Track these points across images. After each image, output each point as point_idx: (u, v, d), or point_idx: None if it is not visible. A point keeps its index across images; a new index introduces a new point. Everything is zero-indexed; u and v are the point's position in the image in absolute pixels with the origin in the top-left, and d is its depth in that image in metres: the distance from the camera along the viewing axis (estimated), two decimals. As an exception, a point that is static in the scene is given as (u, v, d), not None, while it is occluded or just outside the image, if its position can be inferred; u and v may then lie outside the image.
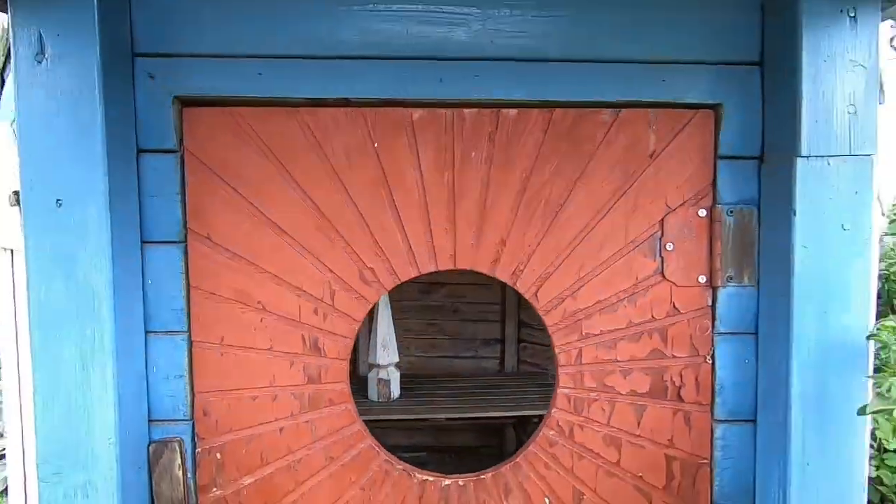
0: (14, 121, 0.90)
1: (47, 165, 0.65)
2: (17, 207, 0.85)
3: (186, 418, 0.77)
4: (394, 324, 2.03)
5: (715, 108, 0.78)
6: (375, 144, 0.78)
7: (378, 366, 1.98)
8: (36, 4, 0.63)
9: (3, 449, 1.85)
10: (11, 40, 0.64)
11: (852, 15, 0.69)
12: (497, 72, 0.76)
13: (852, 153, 0.70)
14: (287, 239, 0.78)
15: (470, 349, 2.50)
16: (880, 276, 3.17)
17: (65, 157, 0.65)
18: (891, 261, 3.31)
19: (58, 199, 0.64)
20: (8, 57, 1.16)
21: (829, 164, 0.70)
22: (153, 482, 0.74)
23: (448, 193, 0.79)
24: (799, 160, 0.70)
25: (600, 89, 0.77)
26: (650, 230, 0.80)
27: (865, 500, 0.75)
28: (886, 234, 3.01)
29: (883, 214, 2.32)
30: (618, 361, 0.82)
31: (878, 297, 3.04)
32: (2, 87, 1.40)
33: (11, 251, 1.32)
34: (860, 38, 0.70)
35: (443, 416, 2.07)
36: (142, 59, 0.73)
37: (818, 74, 0.69)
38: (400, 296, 2.03)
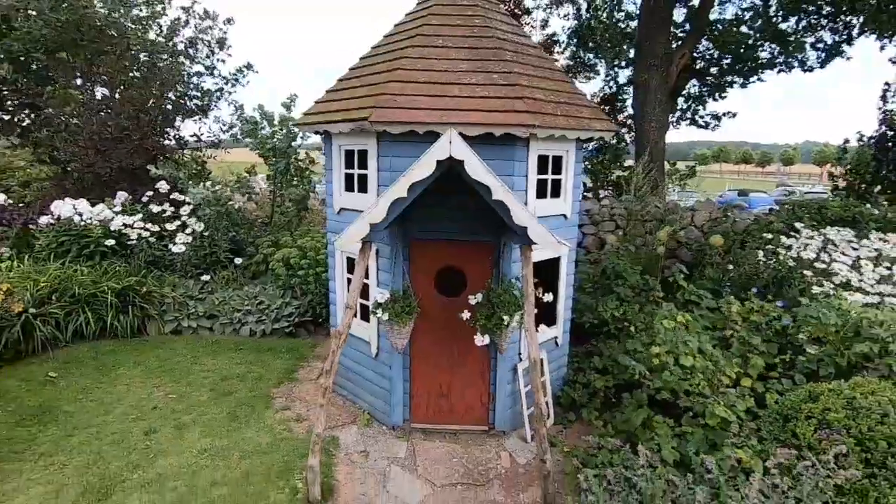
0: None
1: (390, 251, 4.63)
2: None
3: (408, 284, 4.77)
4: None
5: (495, 241, 4.65)
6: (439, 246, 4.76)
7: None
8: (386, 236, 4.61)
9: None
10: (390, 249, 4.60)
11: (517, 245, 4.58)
12: (456, 232, 4.68)
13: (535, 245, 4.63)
14: (425, 253, 4.76)
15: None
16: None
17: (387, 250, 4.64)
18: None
19: (381, 249, 4.64)
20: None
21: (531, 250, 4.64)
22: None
23: (445, 262, 4.75)
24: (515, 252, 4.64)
25: (477, 236, 4.68)
26: (490, 266, 4.75)
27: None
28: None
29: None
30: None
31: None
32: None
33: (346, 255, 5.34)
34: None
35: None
36: (409, 233, 4.68)
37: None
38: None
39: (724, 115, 14.08)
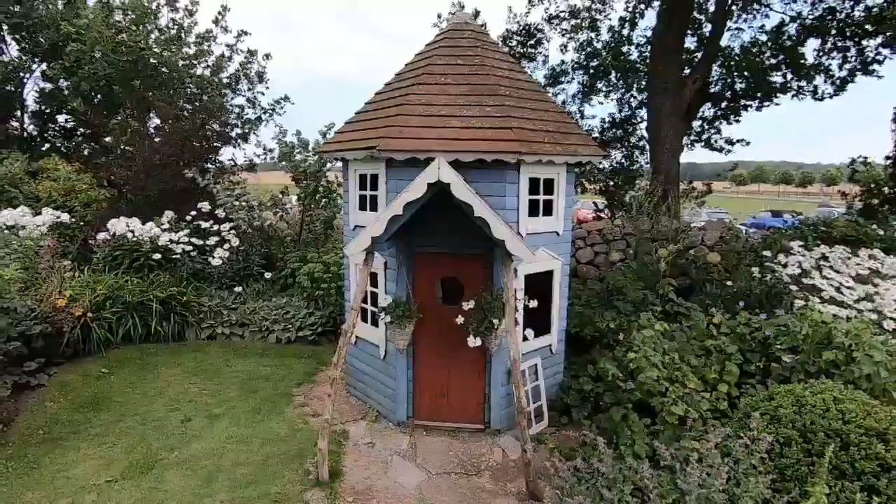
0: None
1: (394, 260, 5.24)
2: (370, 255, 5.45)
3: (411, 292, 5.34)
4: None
5: (488, 253, 5.19)
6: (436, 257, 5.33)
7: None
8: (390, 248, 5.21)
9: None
10: (393, 261, 5.21)
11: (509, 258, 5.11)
12: (454, 246, 5.25)
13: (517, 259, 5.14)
14: (427, 265, 5.34)
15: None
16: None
17: (394, 260, 5.24)
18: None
19: (389, 262, 5.23)
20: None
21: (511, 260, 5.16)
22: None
23: (445, 273, 5.31)
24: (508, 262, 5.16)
25: (473, 250, 5.23)
26: (485, 277, 5.28)
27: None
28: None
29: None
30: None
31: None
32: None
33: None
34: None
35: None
36: (413, 247, 5.27)
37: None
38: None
39: (737, 141, 14.33)
